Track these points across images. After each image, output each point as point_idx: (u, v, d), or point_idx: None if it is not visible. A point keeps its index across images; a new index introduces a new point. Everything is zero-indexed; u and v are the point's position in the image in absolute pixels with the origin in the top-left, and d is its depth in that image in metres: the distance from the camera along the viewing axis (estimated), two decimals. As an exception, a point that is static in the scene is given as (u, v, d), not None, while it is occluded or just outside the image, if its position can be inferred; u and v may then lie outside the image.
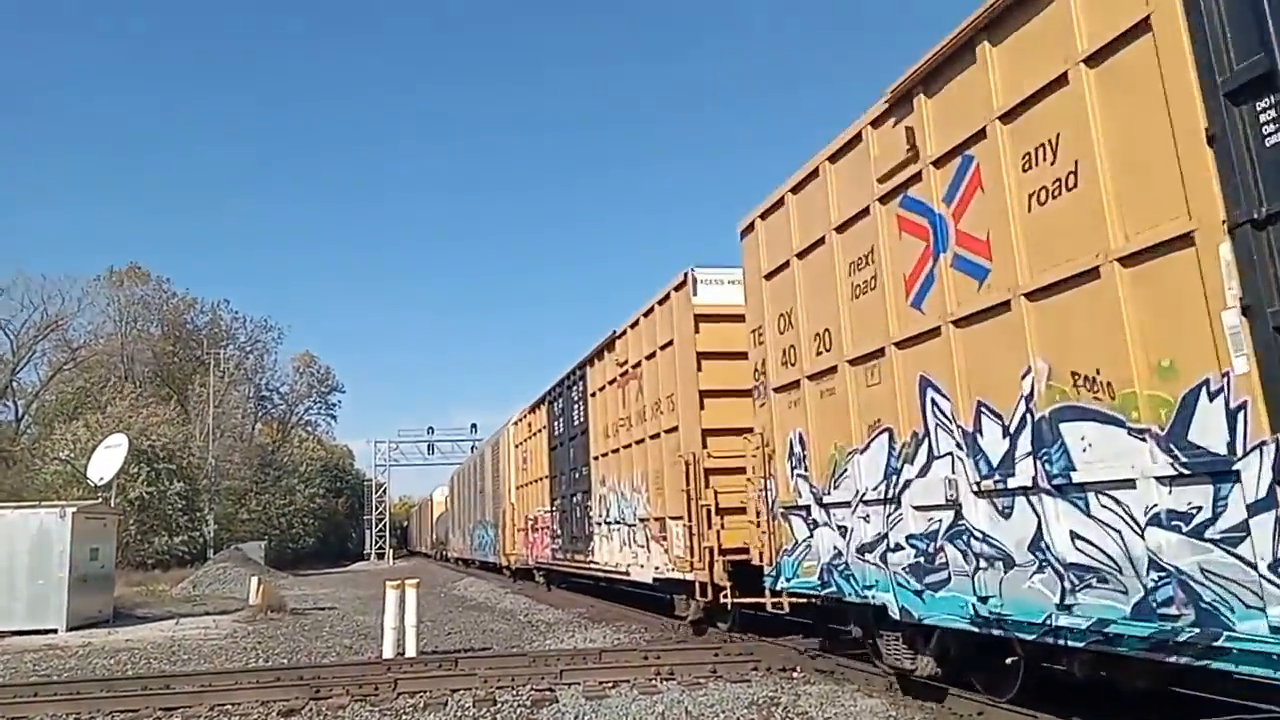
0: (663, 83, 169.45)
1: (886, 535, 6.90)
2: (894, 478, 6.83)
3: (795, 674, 8.83)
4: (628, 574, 14.42)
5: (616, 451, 14.91)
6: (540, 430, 20.99)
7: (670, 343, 12.60)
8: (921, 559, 6.46)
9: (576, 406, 17.69)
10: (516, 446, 24.01)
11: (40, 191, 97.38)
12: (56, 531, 16.51)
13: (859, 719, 6.88)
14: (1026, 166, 5.52)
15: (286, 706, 7.99)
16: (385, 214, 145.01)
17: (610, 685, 8.48)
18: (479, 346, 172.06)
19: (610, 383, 15.46)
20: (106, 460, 23.35)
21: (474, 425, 64.39)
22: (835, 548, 7.71)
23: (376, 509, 64.46)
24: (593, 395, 16.57)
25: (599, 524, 15.88)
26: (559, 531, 18.90)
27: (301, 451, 63.29)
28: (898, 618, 6.79)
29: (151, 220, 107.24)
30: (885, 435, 6.99)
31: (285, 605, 19.97)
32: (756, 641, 10.31)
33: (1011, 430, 5.56)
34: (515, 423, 24.22)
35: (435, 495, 55.46)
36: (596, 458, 16.19)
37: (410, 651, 11.13)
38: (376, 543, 64.38)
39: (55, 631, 15.79)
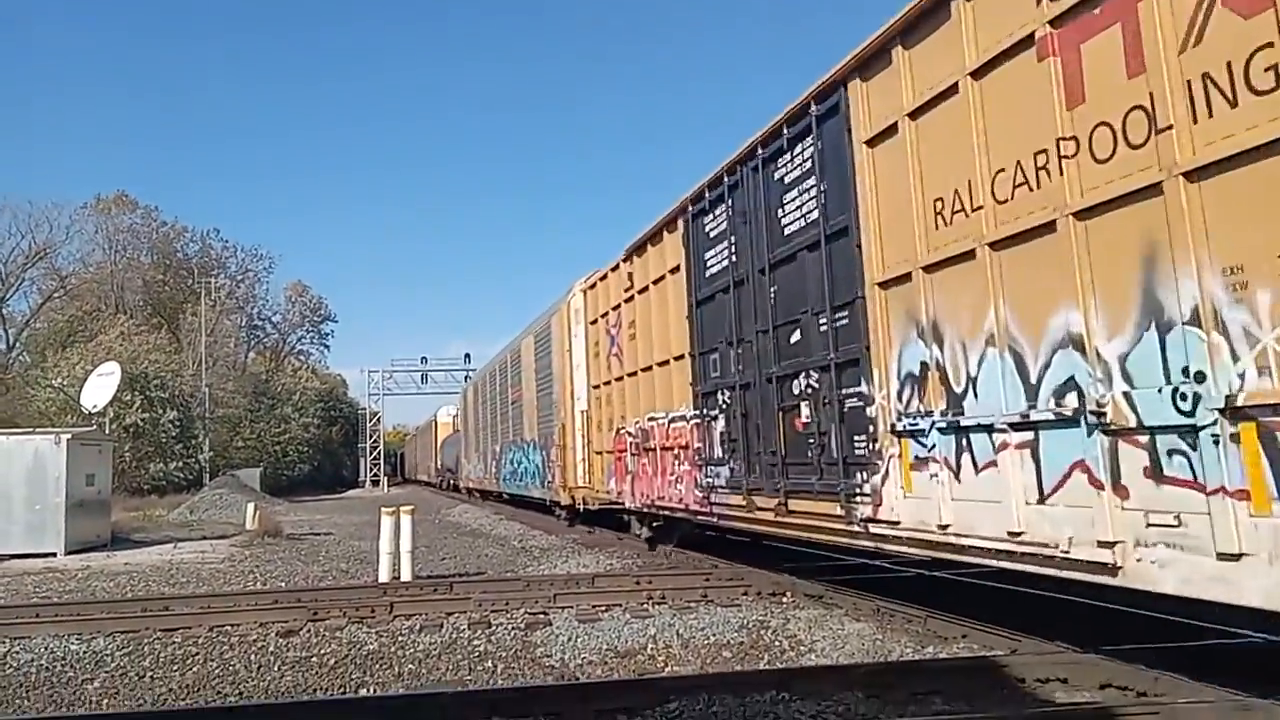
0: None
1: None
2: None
3: (785, 599, 9.00)
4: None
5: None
6: (659, 280, 11.82)
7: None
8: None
9: (813, 187, 7.93)
10: (592, 324, 15.22)
11: (24, 121, 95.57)
12: (52, 457, 16.61)
13: (847, 641, 7.04)
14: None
15: (285, 628, 8.13)
16: (374, 143, 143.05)
17: (603, 609, 8.64)
18: (473, 277, 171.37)
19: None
20: (99, 388, 23.37)
21: (467, 355, 64.76)
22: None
23: (370, 437, 64.88)
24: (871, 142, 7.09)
25: (910, 436, 6.55)
26: (722, 454, 9.83)
27: (295, 380, 63.38)
28: None
29: (139, 151, 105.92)
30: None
31: (281, 531, 20.21)
32: (747, 568, 10.49)
33: None
34: (587, 288, 15.53)
35: (440, 415, 49.69)
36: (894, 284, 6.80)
37: (405, 576, 11.30)
38: (371, 471, 65.01)
39: (54, 555, 15.98)
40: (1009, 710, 5.06)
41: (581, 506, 16.25)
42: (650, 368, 12.10)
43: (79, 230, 53.23)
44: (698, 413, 10.43)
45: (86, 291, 51.24)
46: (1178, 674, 5.20)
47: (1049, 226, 5.14)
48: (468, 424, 32.71)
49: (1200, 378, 4.20)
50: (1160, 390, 4.42)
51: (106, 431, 23.01)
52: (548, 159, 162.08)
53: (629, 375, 13.02)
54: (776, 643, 7.23)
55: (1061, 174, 5.06)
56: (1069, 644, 6.07)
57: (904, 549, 6.72)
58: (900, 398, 6.65)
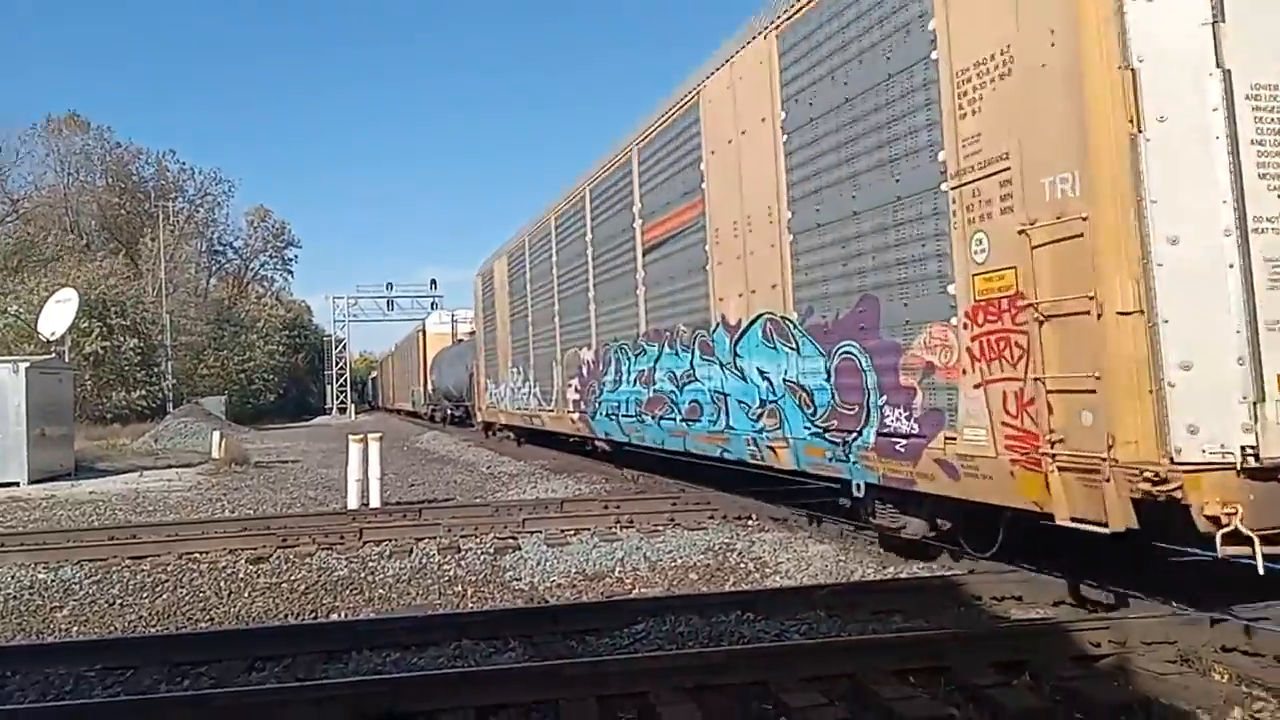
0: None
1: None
2: None
3: (750, 522, 9.16)
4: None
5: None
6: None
7: None
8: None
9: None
10: None
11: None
12: (11, 385, 16.33)
13: (810, 563, 7.20)
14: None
15: (255, 554, 8.15)
16: (333, 63, 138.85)
17: (571, 533, 8.75)
18: (438, 202, 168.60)
19: None
20: (57, 315, 22.90)
21: (433, 281, 64.11)
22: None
23: (337, 364, 64.45)
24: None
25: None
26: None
27: (259, 307, 62.57)
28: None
29: (88, 71, 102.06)
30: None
31: (248, 458, 20.15)
32: (715, 491, 10.64)
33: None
34: None
35: (430, 325, 41.52)
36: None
37: (375, 503, 11.35)
38: (338, 398, 64.70)
39: (17, 484, 15.84)
40: (965, 626, 5.23)
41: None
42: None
43: (29, 152, 51.77)
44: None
45: (40, 215, 49.86)
46: (1129, 590, 5.38)
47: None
48: (497, 323, 20.08)
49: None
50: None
51: (66, 360, 22.63)
52: (516, 75, 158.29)
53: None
54: (742, 565, 7.38)
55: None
56: (1025, 563, 6.25)
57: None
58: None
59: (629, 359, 11.35)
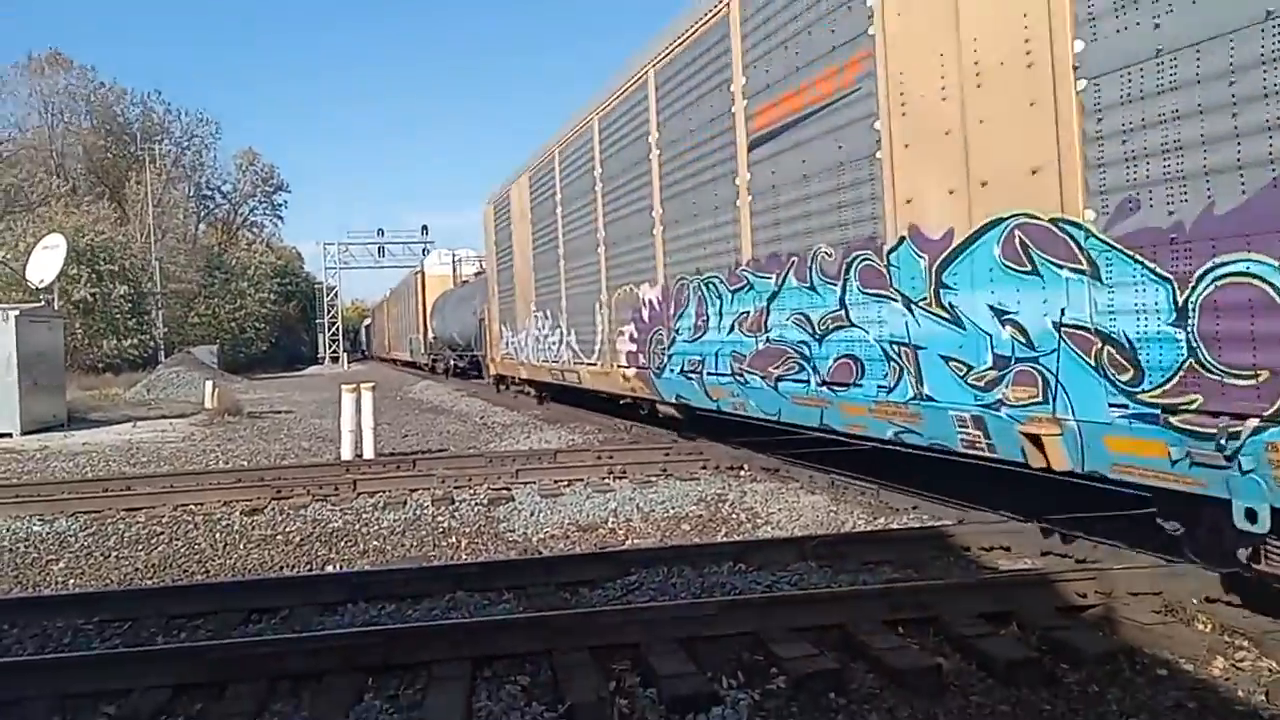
0: None
1: None
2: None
3: (742, 472, 9.22)
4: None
5: None
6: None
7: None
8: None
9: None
10: None
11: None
12: (1, 334, 16.25)
13: (802, 513, 7.26)
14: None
15: (249, 506, 8.20)
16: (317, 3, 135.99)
17: (565, 484, 8.80)
18: (428, 144, 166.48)
19: None
20: (45, 261, 22.72)
21: (425, 227, 63.55)
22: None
23: (329, 312, 64.19)
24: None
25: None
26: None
27: (250, 254, 61.98)
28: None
29: (70, 7, 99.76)
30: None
31: (241, 409, 20.17)
32: (708, 442, 10.69)
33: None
34: None
35: (429, 266, 37.84)
36: None
37: (368, 453, 11.39)
38: (330, 347, 64.56)
39: (10, 435, 15.83)
40: (954, 576, 5.29)
41: None
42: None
43: (11, 93, 50.94)
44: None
45: (24, 158, 49.18)
46: (1114, 542, 5.45)
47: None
48: (515, 258, 16.82)
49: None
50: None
51: (55, 307, 22.51)
52: (503, 16, 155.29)
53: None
54: (734, 515, 7.45)
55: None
56: (1012, 515, 6.33)
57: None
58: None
59: (721, 297, 8.41)
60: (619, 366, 11.34)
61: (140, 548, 7.00)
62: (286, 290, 67.17)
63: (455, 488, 8.79)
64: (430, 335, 34.28)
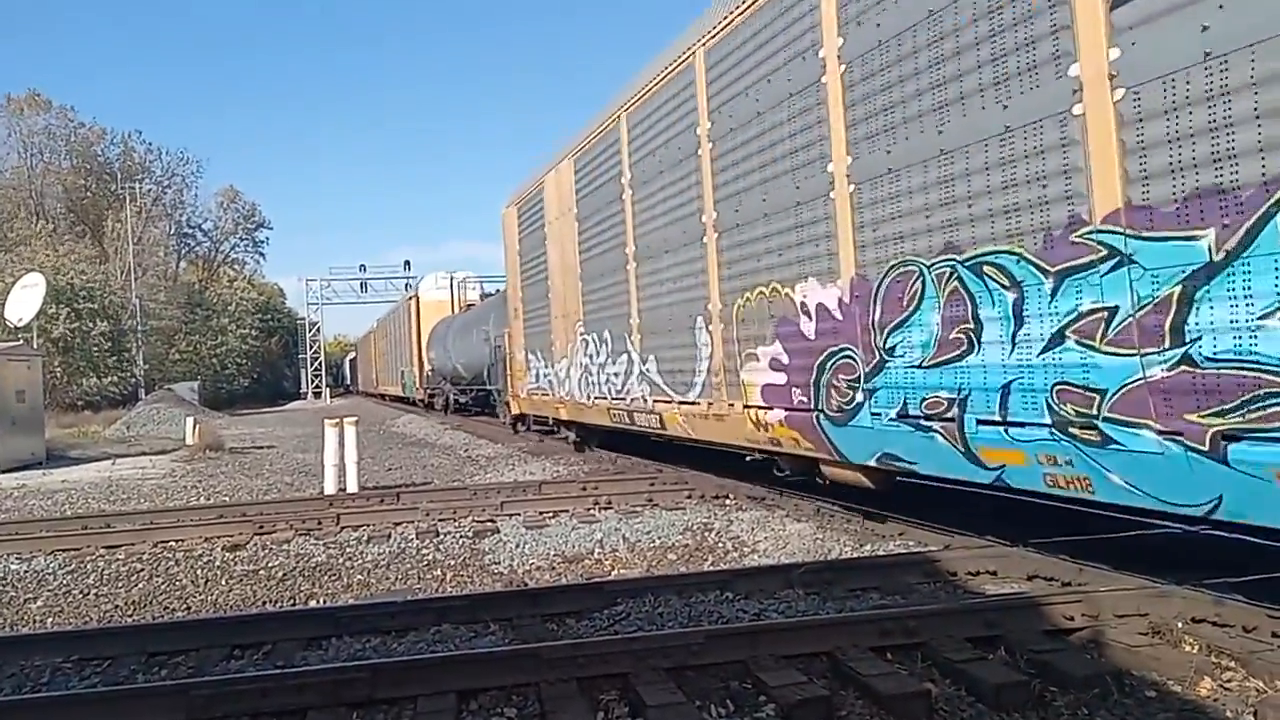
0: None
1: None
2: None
3: (728, 501, 9.20)
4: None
5: None
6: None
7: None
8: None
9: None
10: None
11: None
12: (-22, 374, 16.11)
13: (788, 541, 7.25)
14: None
15: (231, 542, 8.11)
16: (304, 33, 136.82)
17: (550, 515, 8.76)
18: (410, 184, 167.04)
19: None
20: (24, 300, 22.53)
21: (407, 263, 63.31)
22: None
23: (311, 348, 63.92)
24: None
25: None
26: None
27: (231, 290, 61.83)
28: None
29: (50, 46, 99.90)
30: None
31: (223, 444, 19.99)
32: (693, 471, 10.67)
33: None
34: None
35: (423, 290, 33.25)
36: None
37: (352, 487, 11.30)
38: (312, 382, 64.24)
39: (-13, 474, 15.64)
40: (942, 601, 5.29)
41: None
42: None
43: (-10, 135, 50.71)
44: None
45: (3, 198, 49.05)
46: (1100, 564, 5.47)
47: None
48: (551, 269, 13.65)
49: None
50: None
51: (34, 345, 22.31)
52: (486, 41, 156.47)
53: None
54: (720, 544, 7.42)
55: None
56: (998, 539, 6.34)
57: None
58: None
59: (1020, 288, 4.92)
60: (749, 406, 7.93)
61: (120, 585, 6.89)
62: (268, 326, 66.95)
63: (440, 520, 8.72)
64: (427, 367, 30.26)
